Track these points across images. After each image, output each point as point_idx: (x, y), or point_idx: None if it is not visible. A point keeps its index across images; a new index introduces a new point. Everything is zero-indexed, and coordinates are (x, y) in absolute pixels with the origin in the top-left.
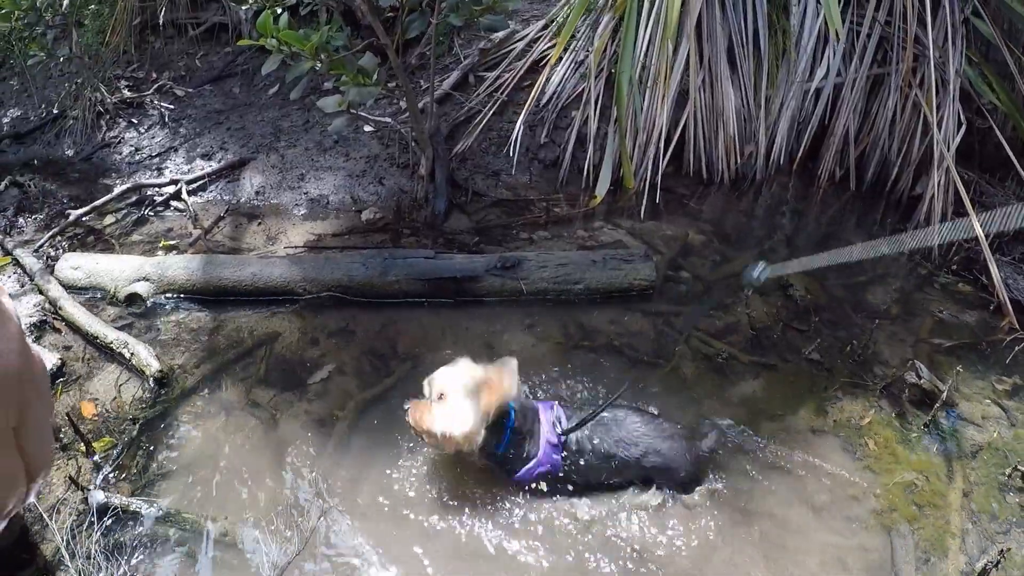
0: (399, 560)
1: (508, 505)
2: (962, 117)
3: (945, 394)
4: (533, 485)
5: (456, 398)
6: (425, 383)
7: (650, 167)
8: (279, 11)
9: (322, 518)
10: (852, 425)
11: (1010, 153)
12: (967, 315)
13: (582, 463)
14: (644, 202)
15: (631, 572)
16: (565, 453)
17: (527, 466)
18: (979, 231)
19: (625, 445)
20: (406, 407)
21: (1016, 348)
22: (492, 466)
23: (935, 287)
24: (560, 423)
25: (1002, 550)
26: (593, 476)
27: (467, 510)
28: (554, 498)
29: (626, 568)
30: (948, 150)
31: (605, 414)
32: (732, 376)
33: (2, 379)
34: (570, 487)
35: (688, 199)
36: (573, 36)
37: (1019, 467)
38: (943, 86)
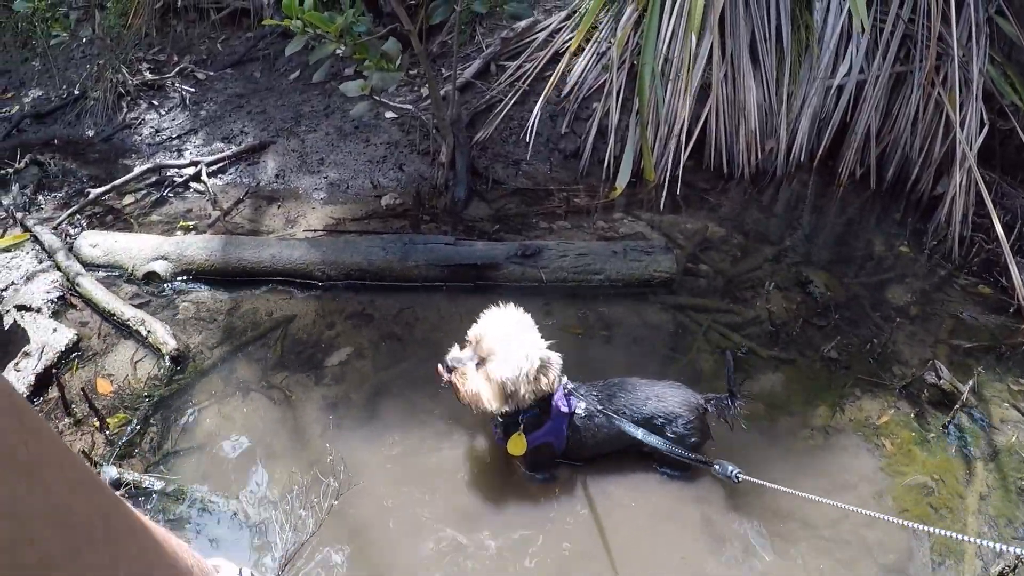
0: (418, 541)
1: (529, 487)
2: (985, 117)
3: (965, 395)
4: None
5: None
6: (487, 338)
7: (671, 160)
8: None
9: (338, 500)
10: (870, 424)
11: None
12: (987, 317)
13: (587, 431)
14: (664, 195)
15: (639, 556)
16: (572, 422)
17: (534, 433)
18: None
19: (633, 400)
20: (450, 365)
21: None
22: (499, 420)
23: (955, 288)
24: (570, 395)
25: (1019, 555)
26: (596, 444)
27: (488, 492)
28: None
29: (635, 552)
30: (971, 150)
31: (615, 382)
32: (750, 370)
33: None
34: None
35: (708, 193)
36: (595, 27)
37: None
38: (966, 85)
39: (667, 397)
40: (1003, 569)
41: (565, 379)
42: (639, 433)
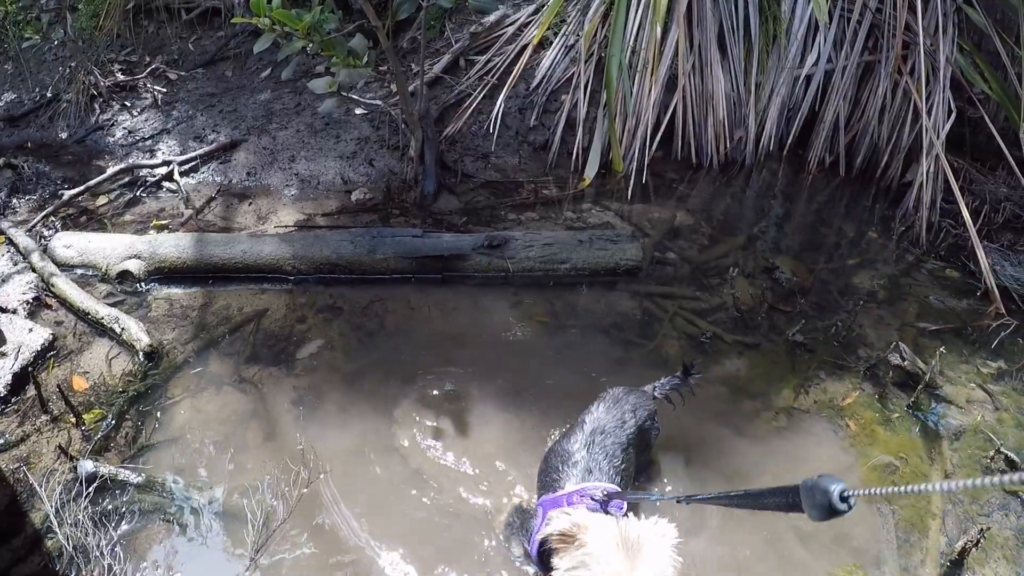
0: (386, 529)
1: (491, 478)
2: (952, 105)
3: (928, 376)
4: None
5: None
6: None
7: (639, 151)
8: None
9: (308, 488)
10: (834, 405)
11: (1000, 143)
12: (954, 300)
13: None
14: (633, 185)
15: None
16: None
17: None
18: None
19: (616, 435)
20: None
21: (1002, 333)
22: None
23: (922, 272)
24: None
25: (982, 529)
26: None
27: (455, 481)
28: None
29: None
30: (938, 137)
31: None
32: (715, 355)
33: None
34: None
35: (677, 183)
36: (563, 21)
37: (1002, 450)
38: (934, 74)
39: (638, 406)
40: (966, 543)
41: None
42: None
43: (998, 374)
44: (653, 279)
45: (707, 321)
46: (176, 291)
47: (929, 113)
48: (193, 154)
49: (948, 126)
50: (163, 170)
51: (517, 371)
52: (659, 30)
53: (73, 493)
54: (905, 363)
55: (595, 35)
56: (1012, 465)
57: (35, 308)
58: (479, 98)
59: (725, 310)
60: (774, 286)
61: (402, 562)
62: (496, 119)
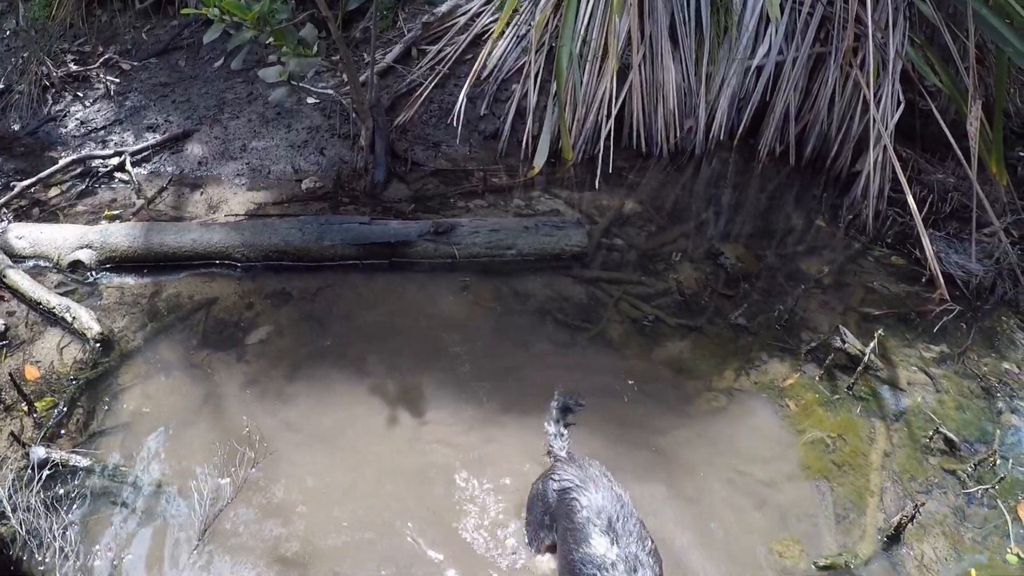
0: (327, 506)
1: (435, 463)
2: (902, 97)
3: (867, 358)
4: None
5: None
6: None
7: (589, 140)
8: None
9: (254, 468)
10: (775, 386)
11: (949, 135)
12: (899, 287)
13: None
14: (583, 173)
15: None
16: None
17: None
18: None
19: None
20: None
21: (945, 318)
22: None
23: (869, 260)
24: None
25: (916, 504)
26: None
27: (395, 463)
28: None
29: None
30: (886, 129)
31: None
32: (658, 338)
33: None
34: None
35: (627, 171)
36: (515, 10)
37: (941, 430)
38: (884, 67)
39: (604, 471)
40: (902, 518)
41: None
42: None
43: (940, 358)
44: (600, 265)
45: (651, 305)
46: (127, 280)
47: (878, 105)
48: (145, 144)
49: (896, 118)
50: (115, 160)
51: (464, 356)
52: (618, 21)
53: (25, 479)
54: (846, 345)
55: (546, 25)
56: (951, 445)
57: None
58: (430, 87)
59: (670, 295)
60: (719, 272)
61: (344, 545)
62: (459, 111)
